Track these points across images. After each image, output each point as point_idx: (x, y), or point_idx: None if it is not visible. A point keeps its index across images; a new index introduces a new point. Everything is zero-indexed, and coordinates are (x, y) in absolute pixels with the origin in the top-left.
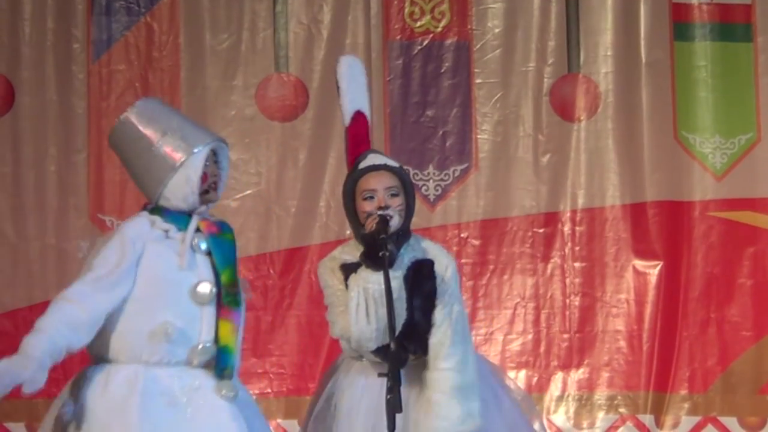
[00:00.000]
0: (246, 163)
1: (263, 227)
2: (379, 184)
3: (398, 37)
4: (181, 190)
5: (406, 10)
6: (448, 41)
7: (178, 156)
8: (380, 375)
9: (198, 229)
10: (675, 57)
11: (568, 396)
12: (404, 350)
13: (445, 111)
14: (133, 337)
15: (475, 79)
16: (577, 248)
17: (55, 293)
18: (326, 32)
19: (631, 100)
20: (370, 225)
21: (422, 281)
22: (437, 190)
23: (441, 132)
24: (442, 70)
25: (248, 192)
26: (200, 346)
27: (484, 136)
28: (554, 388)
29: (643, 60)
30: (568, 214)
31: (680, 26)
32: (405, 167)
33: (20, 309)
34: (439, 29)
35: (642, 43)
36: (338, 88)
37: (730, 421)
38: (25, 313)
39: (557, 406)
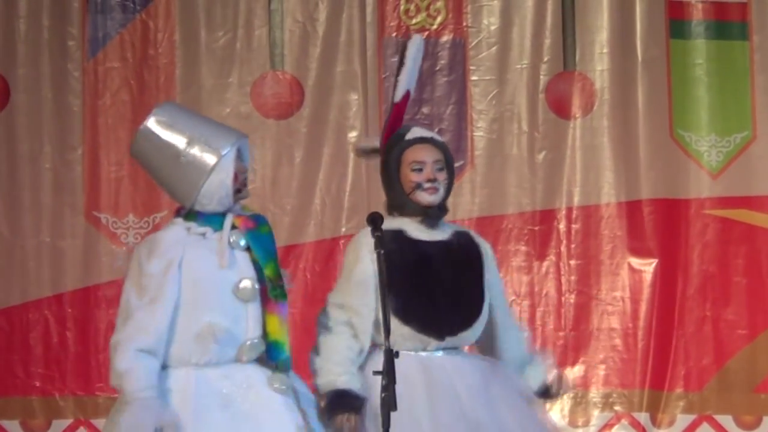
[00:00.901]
0: None
1: None
2: (429, 157)
3: (394, 34)
4: (216, 193)
5: (402, 8)
6: (444, 38)
7: (208, 160)
8: (375, 373)
9: (234, 226)
10: (671, 55)
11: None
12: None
13: (441, 108)
14: (180, 341)
15: (471, 77)
16: (572, 246)
17: (50, 291)
18: (321, 30)
19: (626, 97)
20: None
21: (471, 250)
22: None
23: (436, 129)
24: (438, 68)
25: None
26: (248, 343)
27: (479, 133)
28: None
29: (639, 58)
30: (564, 212)
31: (676, 24)
32: None
33: (15, 306)
34: (435, 26)
35: (638, 40)
36: (401, 64)
37: (726, 420)
38: (20, 311)
39: (552, 404)
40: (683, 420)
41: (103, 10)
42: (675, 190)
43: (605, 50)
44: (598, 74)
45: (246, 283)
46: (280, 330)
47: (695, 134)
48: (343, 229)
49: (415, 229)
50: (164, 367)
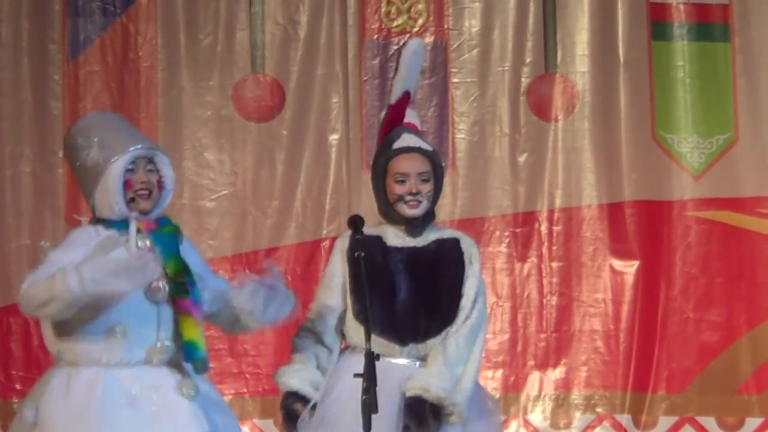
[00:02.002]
0: (222, 163)
1: (239, 228)
2: (412, 169)
3: (375, 37)
4: (104, 200)
5: (383, 10)
6: (425, 41)
7: (98, 167)
8: (356, 375)
9: (140, 230)
10: (653, 57)
11: (544, 396)
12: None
13: (422, 111)
14: (90, 340)
15: (452, 79)
16: (554, 248)
17: None
18: (303, 33)
19: (608, 99)
20: None
21: (447, 257)
22: None
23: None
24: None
25: (224, 192)
26: (158, 345)
27: (461, 135)
28: (531, 388)
29: (621, 60)
30: (545, 214)
31: (658, 26)
32: None
33: None
34: (416, 29)
35: (619, 42)
36: (396, 68)
37: (708, 421)
38: (1, 314)
39: (534, 406)
40: (665, 422)
41: (84, 13)
42: (657, 191)
43: (586, 52)
44: (580, 76)
45: (155, 285)
46: (194, 330)
47: (677, 136)
48: (324, 232)
49: (393, 236)
50: (74, 364)
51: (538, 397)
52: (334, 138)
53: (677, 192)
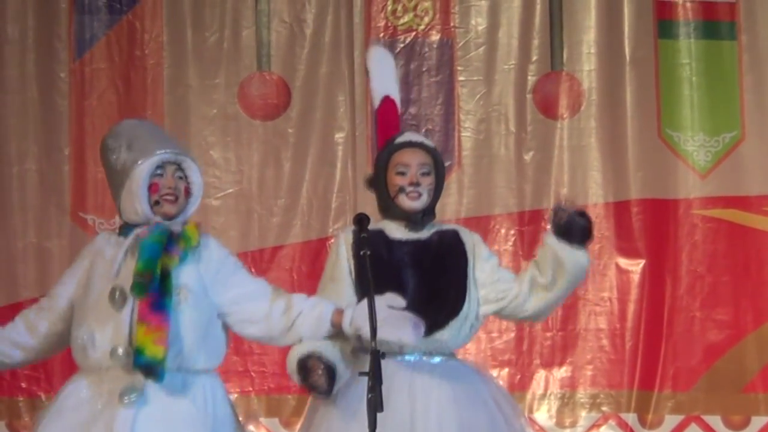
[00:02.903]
0: (228, 161)
1: (245, 226)
2: (414, 160)
3: (381, 35)
4: (129, 202)
5: (389, 8)
6: (431, 39)
7: (125, 169)
8: (361, 374)
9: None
10: (659, 55)
11: (550, 394)
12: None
13: (428, 109)
14: (74, 347)
15: (458, 77)
16: None
17: (36, 292)
18: (309, 31)
19: (614, 97)
20: None
21: (450, 248)
22: None
23: (424, 130)
24: (425, 68)
25: (230, 191)
26: (114, 350)
27: (467, 133)
28: (537, 387)
29: (627, 58)
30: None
31: (664, 24)
32: None
33: (2, 307)
34: (422, 27)
35: (626, 40)
36: (368, 73)
37: (714, 420)
38: (6, 312)
39: (540, 405)
40: (671, 420)
41: (90, 10)
42: (663, 190)
43: (593, 50)
44: (586, 74)
45: (114, 291)
46: (146, 337)
47: (683, 134)
48: (330, 230)
49: (395, 230)
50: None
51: (543, 396)
52: (340, 136)
53: (683, 190)
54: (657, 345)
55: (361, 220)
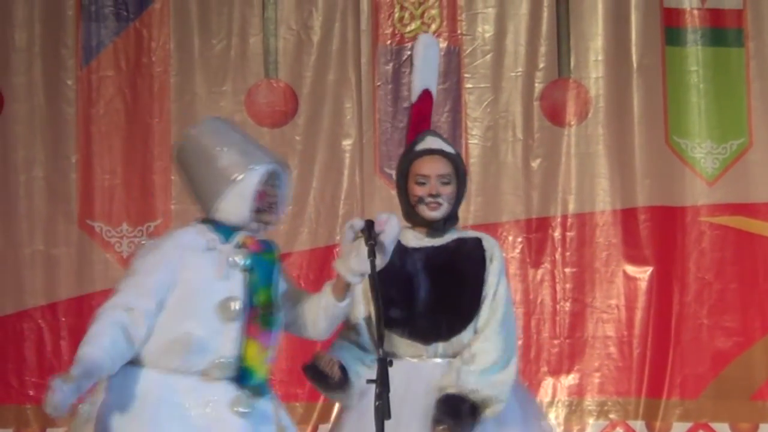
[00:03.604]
0: None
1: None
2: (433, 171)
3: (388, 42)
4: (234, 205)
5: (396, 15)
6: (439, 46)
7: (236, 171)
8: (368, 381)
9: (241, 245)
10: (666, 62)
11: (558, 402)
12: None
13: (435, 116)
14: (156, 344)
15: (465, 84)
16: (567, 254)
17: (44, 300)
18: (316, 38)
19: (622, 105)
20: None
21: (467, 254)
22: None
23: None
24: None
25: None
26: (218, 361)
27: (474, 141)
28: (544, 394)
29: (634, 65)
30: (559, 220)
31: (671, 31)
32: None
33: (9, 315)
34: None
35: (633, 47)
36: (411, 64)
37: (722, 427)
38: (14, 320)
39: (547, 412)
40: (679, 428)
41: (97, 18)
42: (671, 197)
43: (600, 57)
44: (593, 81)
45: (230, 303)
46: (258, 357)
47: (691, 141)
48: (337, 237)
49: (412, 237)
50: (137, 365)
51: (551, 403)
52: (347, 143)
53: (691, 197)
54: (665, 352)
55: (368, 227)
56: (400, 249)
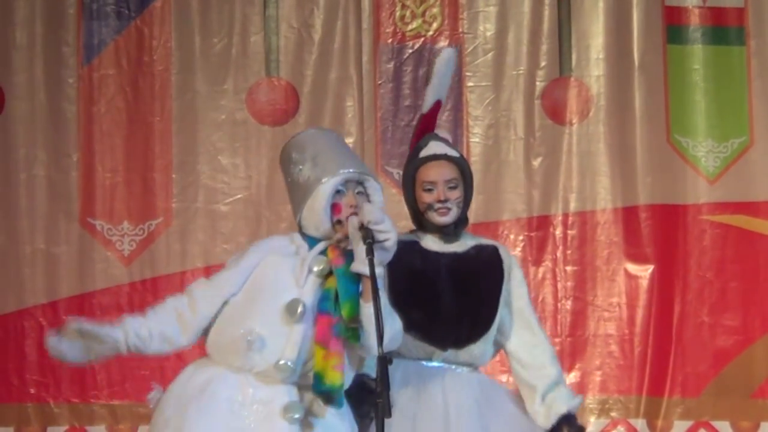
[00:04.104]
0: (236, 167)
1: (254, 231)
2: (440, 176)
3: (389, 40)
4: (311, 218)
5: (397, 14)
6: (440, 45)
7: (308, 185)
8: (368, 380)
9: (324, 253)
10: (668, 60)
11: None
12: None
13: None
14: (221, 339)
15: (467, 83)
16: (568, 252)
17: (45, 298)
18: (317, 36)
19: (623, 103)
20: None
21: (488, 264)
22: None
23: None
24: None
25: (239, 196)
26: (280, 362)
27: (475, 139)
28: None
29: (636, 63)
30: (560, 218)
31: (673, 29)
32: (398, 171)
33: (10, 313)
34: (431, 33)
35: (635, 46)
36: (428, 78)
37: (723, 426)
38: (15, 318)
39: None
40: (680, 426)
41: (98, 16)
42: (672, 195)
43: (601, 56)
44: (595, 80)
45: (296, 305)
46: (325, 362)
47: (692, 140)
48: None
49: (430, 241)
50: (208, 358)
51: None
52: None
53: (692, 196)
54: (666, 350)
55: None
56: (422, 252)
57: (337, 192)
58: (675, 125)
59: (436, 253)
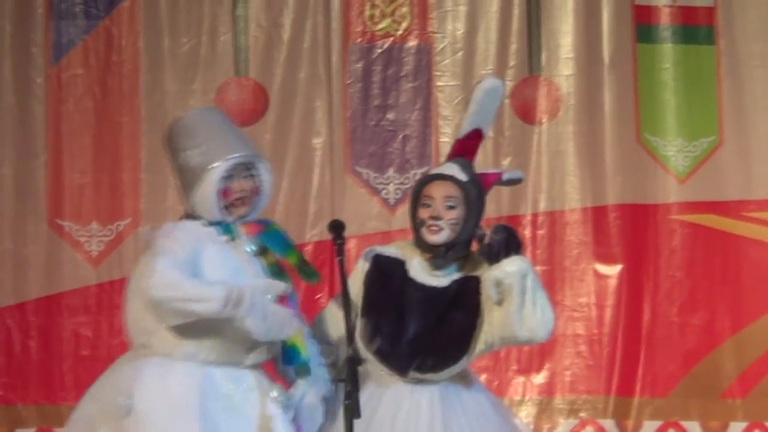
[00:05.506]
0: None
1: None
2: (438, 193)
3: (359, 40)
4: (202, 203)
5: (367, 13)
6: (409, 44)
7: (197, 171)
8: (338, 380)
9: (244, 234)
10: (637, 59)
11: (528, 400)
12: (411, 360)
13: (406, 114)
14: (190, 335)
15: (436, 82)
16: (537, 252)
17: (12, 299)
18: (286, 36)
19: (593, 102)
20: None
21: (464, 300)
22: (397, 194)
23: (401, 135)
24: (403, 74)
25: None
26: (257, 346)
27: (444, 139)
28: (514, 393)
29: (606, 62)
30: (529, 218)
31: (643, 28)
32: (367, 171)
33: None
34: (400, 32)
35: (604, 45)
36: (469, 103)
37: (692, 426)
38: None
39: (517, 411)
40: (650, 426)
41: (67, 16)
42: (642, 195)
43: (571, 55)
44: (564, 79)
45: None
46: (296, 335)
47: (662, 139)
48: (308, 236)
49: (417, 264)
50: (169, 357)
51: (521, 402)
52: (317, 141)
53: (662, 195)
54: (635, 351)
55: (335, 227)
56: (403, 276)
57: (228, 177)
58: (645, 124)
59: (415, 284)
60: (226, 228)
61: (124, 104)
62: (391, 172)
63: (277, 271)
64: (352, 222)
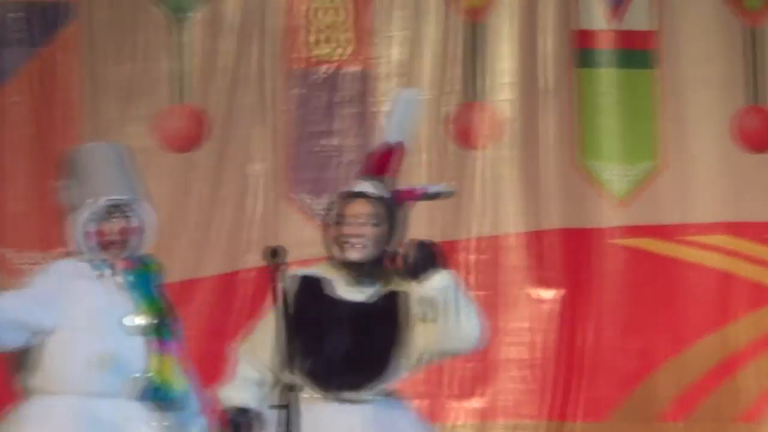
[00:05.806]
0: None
1: (158, 259)
2: (349, 211)
3: (299, 66)
4: (74, 241)
5: (309, 39)
6: (351, 69)
7: (70, 209)
8: (271, 407)
9: (114, 268)
10: (577, 84)
11: (465, 425)
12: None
13: (346, 140)
14: (70, 367)
15: (377, 108)
16: (478, 276)
17: None
18: (226, 62)
19: (532, 127)
20: None
21: (389, 314)
22: None
23: (341, 161)
24: (343, 99)
25: None
26: (134, 377)
27: None
28: (453, 417)
29: (545, 87)
30: (470, 243)
31: (583, 53)
32: (306, 196)
33: None
34: (341, 57)
35: (544, 70)
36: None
37: None
38: None
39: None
40: None
41: (7, 43)
42: (581, 219)
43: (511, 80)
44: (504, 104)
45: (131, 318)
46: (169, 370)
47: (602, 163)
48: (244, 264)
49: (343, 283)
50: (49, 393)
51: (458, 427)
52: (258, 168)
53: (601, 219)
54: (575, 375)
55: (274, 252)
56: (325, 297)
57: (104, 219)
58: (585, 149)
59: (339, 302)
60: (96, 265)
61: (65, 132)
62: (329, 198)
63: (153, 306)
64: (291, 248)
